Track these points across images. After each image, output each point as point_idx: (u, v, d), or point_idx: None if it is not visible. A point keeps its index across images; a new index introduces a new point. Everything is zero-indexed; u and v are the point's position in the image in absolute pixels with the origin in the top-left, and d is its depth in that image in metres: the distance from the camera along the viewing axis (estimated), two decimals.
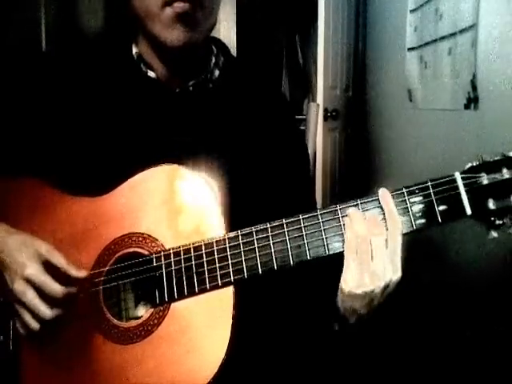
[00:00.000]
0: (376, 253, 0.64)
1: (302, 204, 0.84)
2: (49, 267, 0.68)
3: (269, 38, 3.88)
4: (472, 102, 1.67)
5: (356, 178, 3.29)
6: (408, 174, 2.44)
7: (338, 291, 0.69)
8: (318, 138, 2.57)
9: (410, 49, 2.34)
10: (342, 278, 0.67)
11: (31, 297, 0.67)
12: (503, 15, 1.50)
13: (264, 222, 0.69)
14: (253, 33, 3.59)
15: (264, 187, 0.81)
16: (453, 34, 1.83)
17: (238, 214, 0.72)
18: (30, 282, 0.67)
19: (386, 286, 0.65)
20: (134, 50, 0.80)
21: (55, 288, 0.67)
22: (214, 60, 0.82)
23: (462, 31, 1.75)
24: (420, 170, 2.26)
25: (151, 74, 0.79)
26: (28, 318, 0.68)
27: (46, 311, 0.67)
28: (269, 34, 3.87)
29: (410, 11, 2.31)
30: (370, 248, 0.64)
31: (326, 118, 2.78)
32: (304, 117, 1.66)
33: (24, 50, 1.83)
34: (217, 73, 0.82)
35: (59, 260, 0.69)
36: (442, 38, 1.93)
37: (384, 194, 0.66)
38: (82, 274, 0.69)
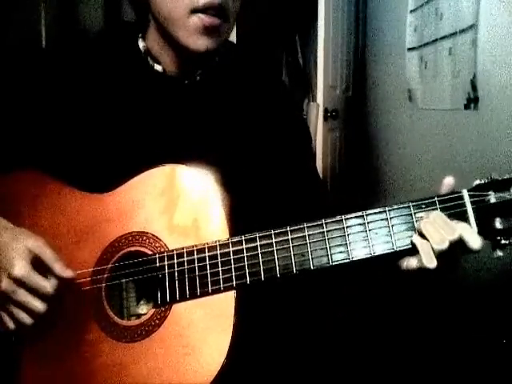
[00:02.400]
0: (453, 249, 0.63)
1: (311, 191, 0.84)
2: (39, 262, 0.68)
3: (269, 38, 3.87)
4: (472, 101, 1.67)
5: (356, 177, 3.29)
6: (408, 174, 2.44)
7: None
8: (318, 137, 2.57)
9: (410, 49, 2.34)
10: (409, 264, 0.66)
11: (21, 295, 0.66)
12: (503, 15, 1.50)
13: (271, 215, 0.69)
14: (253, 33, 3.58)
15: (271, 178, 0.81)
16: (453, 34, 1.83)
17: (245, 206, 0.73)
18: (18, 281, 0.66)
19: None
20: (141, 45, 0.80)
21: (45, 285, 0.66)
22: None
23: (462, 31, 1.75)
24: (420, 170, 2.26)
25: (158, 67, 0.79)
26: (19, 313, 0.67)
27: (38, 304, 0.66)
28: (269, 34, 3.87)
29: (410, 11, 2.31)
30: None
31: (326, 118, 2.78)
32: (304, 117, 1.66)
33: (24, 49, 1.83)
34: (216, 59, 0.83)
35: (47, 255, 0.68)
36: (442, 38, 1.93)
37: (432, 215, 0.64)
38: (67, 273, 0.68)
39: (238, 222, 0.71)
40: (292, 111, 0.88)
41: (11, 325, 0.68)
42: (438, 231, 0.62)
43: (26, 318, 0.67)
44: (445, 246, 0.62)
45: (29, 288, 0.66)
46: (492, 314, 1.53)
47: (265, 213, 0.72)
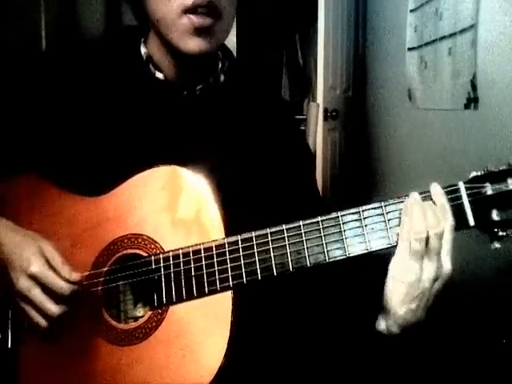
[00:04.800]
0: (431, 243, 0.63)
1: (310, 204, 0.84)
2: (51, 265, 0.68)
3: (269, 38, 3.88)
4: (472, 101, 1.67)
5: (356, 177, 3.29)
6: (408, 174, 2.44)
7: (387, 281, 0.67)
8: (318, 137, 2.57)
9: (410, 49, 2.34)
10: (391, 266, 0.66)
11: (37, 294, 0.66)
12: (503, 15, 1.50)
13: (267, 223, 0.69)
14: (253, 33, 3.59)
15: (267, 188, 0.81)
16: (453, 34, 1.83)
17: (240, 216, 0.72)
18: (35, 278, 0.66)
19: (435, 279, 0.64)
20: (143, 51, 0.79)
21: (62, 285, 0.66)
22: (220, 65, 0.82)
23: (462, 31, 1.75)
24: (420, 170, 2.26)
25: (159, 75, 0.78)
26: (34, 314, 0.67)
27: (52, 308, 0.66)
28: (269, 34, 3.87)
29: (410, 11, 2.31)
30: (425, 238, 0.63)
31: (325, 118, 2.78)
32: (304, 117, 1.66)
33: (24, 49, 1.83)
34: (222, 77, 0.82)
35: (55, 259, 0.68)
36: (442, 37, 1.93)
37: (437, 190, 0.65)
38: (74, 276, 0.67)
39: (233, 227, 0.71)
40: (291, 129, 0.88)
41: (27, 326, 0.69)
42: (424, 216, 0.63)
43: (41, 320, 0.67)
44: (423, 235, 0.62)
45: (45, 287, 0.66)
46: (492, 314, 1.53)
47: (257, 222, 0.72)
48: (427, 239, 0.63)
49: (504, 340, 1.41)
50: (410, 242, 0.64)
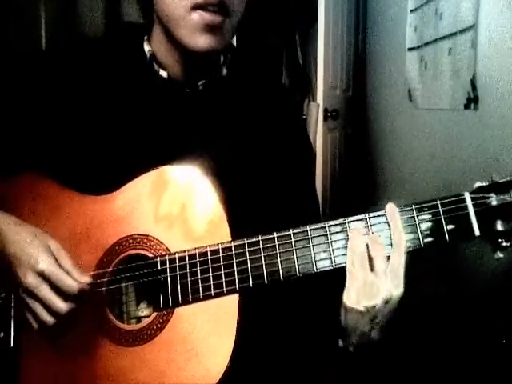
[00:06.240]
0: (375, 267, 0.64)
1: (305, 204, 0.85)
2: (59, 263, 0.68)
3: (269, 38, 3.87)
4: (472, 102, 1.67)
5: (356, 178, 3.29)
6: (408, 175, 2.44)
7: (341, 307, 0.68)
8: (317, 137, 2.57)
9: (410, 49, 2.34)
10: (345, 294, 0.67)
11: (46, 291, 0.66)
12: (503, 15, 1.50)
13: (268, 221, 0.69)
14: (253, 33, 3.58)
15: (271, 185, 0.81)
16: (453, 34, 1.83)
17: (243, 213, 0.72)
18: (44, 276, 0.66)
19: (387, 301, 0.64)
20: (147, 49, 0.79)
21: (71, 283, 0.66)
22: (222, 59, 0.82)
23: (462, 31, 1.75)
24: (420, 170, 2.26)
25: (163, 73, 0.78)
26: (42, 312, 0.67)
27: (61, 305, 0.66)
28: (269, 34, 3.87)
29: (410, 11, 2.31)
30: (367, 262, 0.65)
31: (325, 118, 2.78)
32: (304, 117, 1.66)
33: (24, 49, 1.83)
34: (224, 71, 0.82)
35: (64, 260, 0.68)
36: (442, 38, 1.93)
37: (391, 209, 0.66)
38: (84, 278, 0.68)
39: (241, 220, 0.71)
40: (295, 124, 0.88)
41: (34, 325, 0.68)
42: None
43: (48, 318, 0.67)
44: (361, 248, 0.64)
45: (53, 284, 0.66)
46: (492, 313, 1.53)
47: (259, 219, 0.72)
48: (370, 261, 0.65)
49: (504, 340, 1.41)
50: (355, 266, 0.65)
